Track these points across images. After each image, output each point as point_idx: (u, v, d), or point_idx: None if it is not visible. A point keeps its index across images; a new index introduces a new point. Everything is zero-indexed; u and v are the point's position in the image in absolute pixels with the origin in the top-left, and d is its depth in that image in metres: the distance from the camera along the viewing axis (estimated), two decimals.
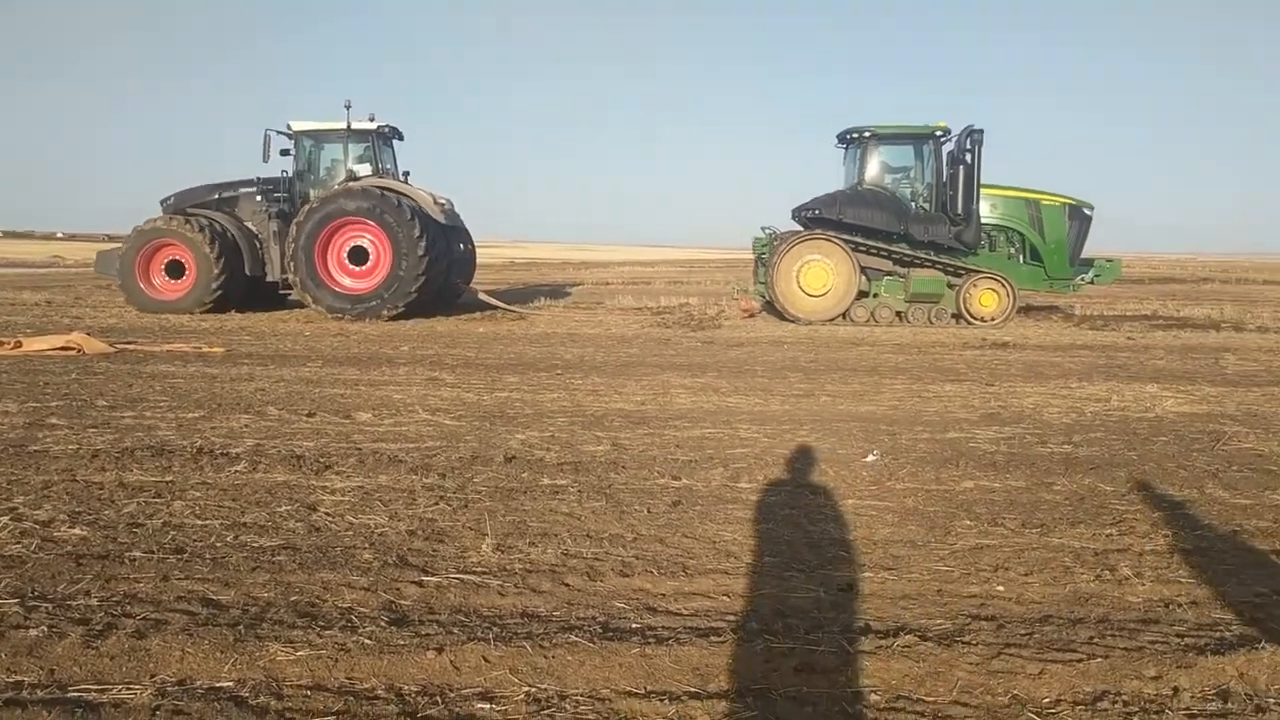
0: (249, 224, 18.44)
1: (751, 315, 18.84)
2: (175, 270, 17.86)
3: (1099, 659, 3.43)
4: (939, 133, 17.62)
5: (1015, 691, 3.22)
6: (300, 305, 17.77)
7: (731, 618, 3.83)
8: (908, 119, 18.04)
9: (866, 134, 17.90)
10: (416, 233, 16.59)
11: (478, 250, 21.31)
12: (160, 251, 17.84)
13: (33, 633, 3.53)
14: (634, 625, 3.75)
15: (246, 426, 7.37)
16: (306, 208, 17.09)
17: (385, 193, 16.87)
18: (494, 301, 19.47)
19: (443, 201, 18.77)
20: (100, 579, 4.11)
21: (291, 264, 16.94)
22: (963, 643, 3.59)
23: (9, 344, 11.80)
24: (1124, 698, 3.17)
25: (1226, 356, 12.81)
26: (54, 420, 7.44)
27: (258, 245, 18.29)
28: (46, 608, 3.78)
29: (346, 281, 17.07)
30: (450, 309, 19.50)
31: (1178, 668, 3.35)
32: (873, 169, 17.98)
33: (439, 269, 17.74)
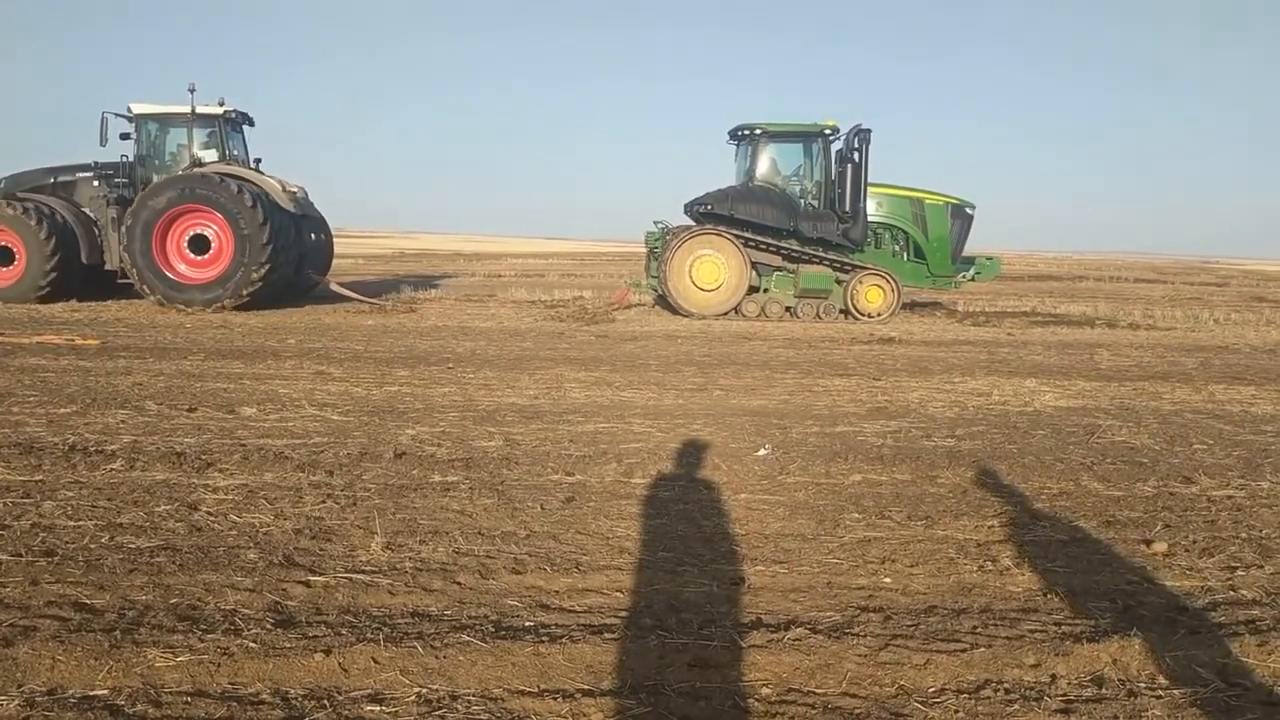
0: (87, 210, 17.62)
1: (616, 307, 18.93)
2: (4, 257, 16.95)
3: (982, 648, 3.53)
4: (828, 131, 17.91)
5: (902, 682, 3.29)
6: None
7: (625, 614, 3.83)
8: (800, 118, 18.38)
9: (758, 131, 18.10)
10: (260, 220, 15.99)
11: (370, 240, 20.88)
12: None
13: None
14: (527, 623, 3.71)
15: (123, 422, 7.08)
16: (140, 195, 16.38)
17: (225, 179, 16.28)
18: (348, 293, 19.05)
19: (294, 190, 18.24)
20: None
21: (126, 253, 16.27)
22: (852, 635, 3.66)
23: None
24: (1005, 686, 3.27)
25: (1101, 352, 13.36)
26: None
27: (96, 232, 17.49)
28: None
29: (186, 270, 16.42)
30: (305, 300, 19.10)
31: (1055, 656, 3.46)
32: (763, 166, 18.19)
33: (287, 258, 17.23)
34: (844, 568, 4.45)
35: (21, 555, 4.27)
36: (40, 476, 5.56)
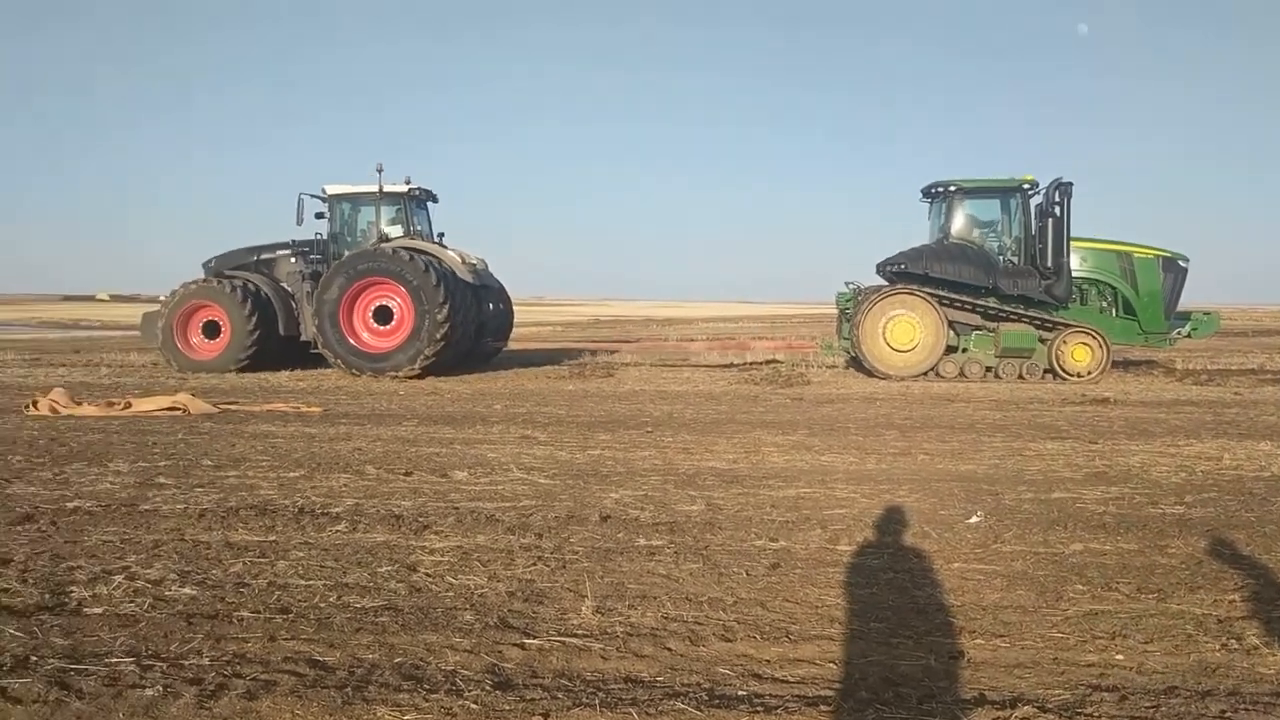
0: (285, 285, 19.04)
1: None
2: (211, 330, 18.48)
3: None
4: (1026, 186, 17.41)
5: None
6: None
7: (839, 686, 3.74)
8: (992, 171, 17.95)
9: (952, 188, 17.77)
10: (439, 292, 16.71)
11: (567, 308, 21.73)
12: (198, 312, 18.51)
13: (148, 692, 3.59)
14: (740, 692, 3.67)
15: (345, 486, 7.48)
16: (329, 269, 17.52)
17: (407, 253, 17.12)
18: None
19: (474, 262, 19.02)
20: (210, 638, 4.18)
21: (315, 319, 17.34)
22: (1084, 715, 3.46)
23: (119, 405, 12.23)
24: None
25: None
26: (162, 480, 7.65)
27: (293, 306, 18.84)
28: (160, 667, 3.85)
29: (369, 339, 17.33)
30: (485, 367, 19.95)
31: None
32: (959, 223, 17.82)
33: (465, 328, 17.92)
34: (1070, 643, 4.21)
35: (260, 612, 4.55)
36: (274, 537, 5.92)
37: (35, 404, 12.02)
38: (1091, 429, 10.81)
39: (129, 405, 12.19)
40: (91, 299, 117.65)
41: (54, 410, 11.81)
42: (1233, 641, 4.20)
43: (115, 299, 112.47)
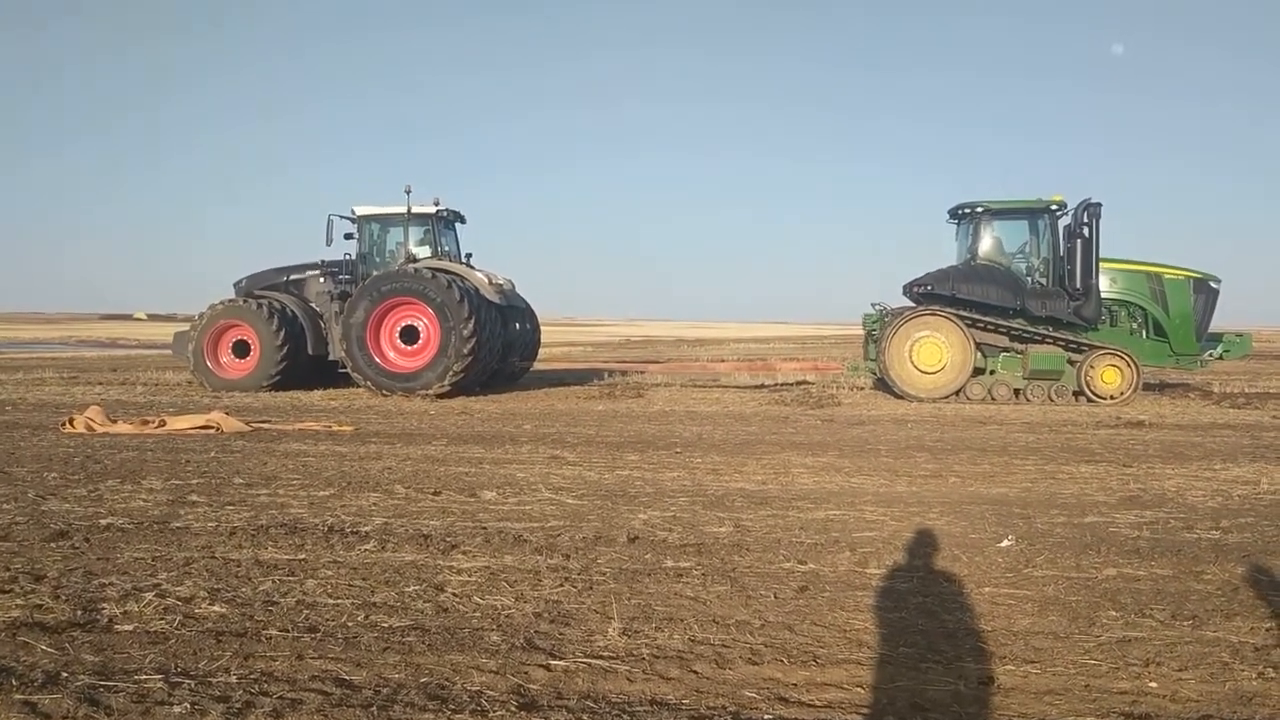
0: (314, 305, 19.24)
1: None
2: (241, 350, 18.71)
3: None
4: (1055, 207, 17.32)
5: None
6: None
7: (866, 710, 3.71)
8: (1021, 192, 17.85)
9: (979, 209, 17.70)
10: (463, 308, 16.78)
11: (602, 329, 21.79)
12: (228, 332, 18.73)
13: (176, 709, 3.61)
14: (766, 716, 3.65)
15: (375, 505, 7.51)
16: (355, 293, 17.66)
17: (429, 271, 17.24)
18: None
19: (501, 282, 19.13)
20: (239, 656, 4.19)
21: (343, 342, 17.47)
22: None
23: (154, 423, 12.36)
24: None
25: None
26: (194, 497, 7.71)
27: (321, 325, 19.00)
28: (189, 684, 3.86)
29: (396, 359, 17.45)
30: (514, 386, 20.04)
31: None
32: (986, 244, 17.74)
33: (491, 348, 17.97)
34: (1103, 669, 4.15)
35: (288, 631, 4.56)
36: (303, 556, 5.95)
37: (72, 422, 12.19)
38: (1125, 452, 10.70)
39: (163, 423, 12.32)
40: (129, 318, 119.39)
41: (90, 428, 11.96)
42: (1269, 670, 4.14)
43: (152, 318, 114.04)
